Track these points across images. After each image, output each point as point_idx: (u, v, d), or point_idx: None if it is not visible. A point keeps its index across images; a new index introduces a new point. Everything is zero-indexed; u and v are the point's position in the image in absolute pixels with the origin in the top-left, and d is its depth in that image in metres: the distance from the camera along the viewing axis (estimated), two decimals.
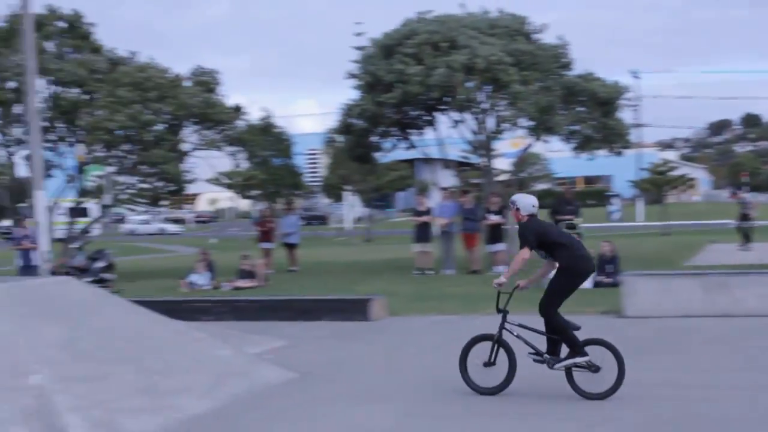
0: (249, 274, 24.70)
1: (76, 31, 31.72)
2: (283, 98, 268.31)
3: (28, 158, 28.15)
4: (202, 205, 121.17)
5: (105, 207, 35.89)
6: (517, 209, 10.20)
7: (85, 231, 33.77)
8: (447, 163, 31.93)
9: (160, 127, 30.65)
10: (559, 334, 9.99)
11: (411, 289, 21.41)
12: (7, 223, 71.78)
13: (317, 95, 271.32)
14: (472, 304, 17.99)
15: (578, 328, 9.96)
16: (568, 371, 9.86)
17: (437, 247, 26.05)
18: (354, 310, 17.14)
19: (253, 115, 50.89)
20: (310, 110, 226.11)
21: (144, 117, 29.46)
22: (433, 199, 35.45)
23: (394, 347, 13.74)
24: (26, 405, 8.48)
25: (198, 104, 30.42)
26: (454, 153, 32.46)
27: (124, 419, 8.74)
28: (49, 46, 31.19)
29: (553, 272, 10.17)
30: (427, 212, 26.39)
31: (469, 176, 41.84)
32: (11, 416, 8.33)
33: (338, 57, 35.62)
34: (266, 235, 29.22)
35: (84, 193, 34.23)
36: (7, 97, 29.77)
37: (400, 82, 26.08)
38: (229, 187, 62.56)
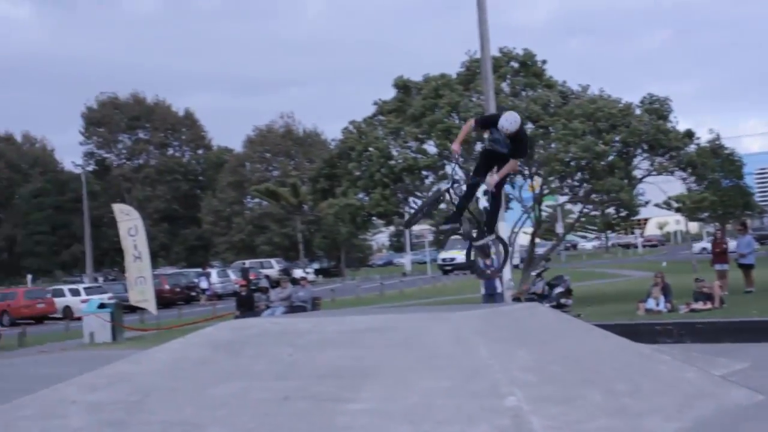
0: (705, 296, 24.10)
1: (528, 69, 32.73)
2: (729, 120, 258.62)
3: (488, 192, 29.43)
4: (651, 229, 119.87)
5: (558, 235, 36.54)
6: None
7: (545, 258, 34.61)
8: None
9: (611, 155, 30.84)
10: (492, 213, 12.32)
11: None
12: (446, 254, 74.52)
13: (765, 114, 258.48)
14: None
15: None
16: (470, 250, 12.34)
17: None
18: None
19: (701, 138, 49.62)
20: (757, 130, 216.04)
21: (597, 147, 29.76)
22: None
23: None
24: (503, 425, 8.84)
25: (649, 131, 30.26)
26: None
27: None
28: (504, 85, 32.46)
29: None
30: None
31: None
32: None
33: None
34: (720, 257, 28.37)
35: (539, 223, 35.10)
36: (469, 135, 31.30)
37: None
38: (677, 210, 61.38)
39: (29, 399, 12.27)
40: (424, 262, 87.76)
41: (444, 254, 77.21)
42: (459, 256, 73.56)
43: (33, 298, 50.95)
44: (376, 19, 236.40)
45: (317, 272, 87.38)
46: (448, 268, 72.80)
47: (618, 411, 9.70)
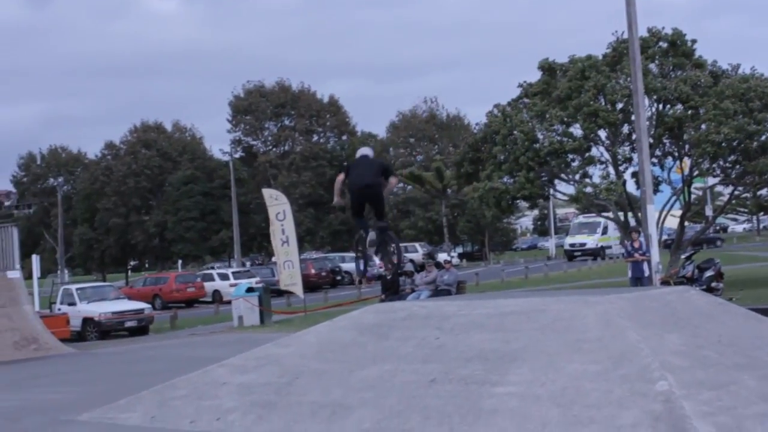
0: None
1: (677, 49, 31.93)
2: None
3: (636, 174, 28.94)
4: None
5: (708, 218, 35.64)
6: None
7: (704, 242, 33.89)
8: None
9: (764, 136, 29.90)
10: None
11: None
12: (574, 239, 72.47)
13: None
14: None
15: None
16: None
17: None
18: None
19: None
20: None
21: (749, 128, 28.89)
22: None
23: None
24: (654, 410, 8.67)
25: None
26: None
27: (751, 425, 8.67)
28: (652, 66, 31.77)
29: None
30: None
31: None
32: (641, 420, 8.61)
33: None
34: None
35: (688, 205, 34.31)
36: (616, 118, 30.77)
37: None
38: None
39: (182, 380, 12.67)
40: None
41: (571, 239, 75.61)
42: (589, 241, 72.26)
43: (183, 282, 52.50)
44: (519, 2, 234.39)
45: (461, 256, 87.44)
46: (577, 254, 71.47)
47: None
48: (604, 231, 70.78)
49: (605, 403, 8.91)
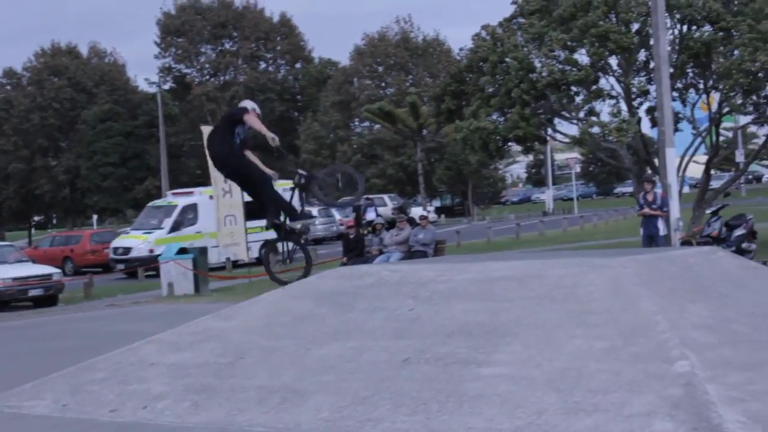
0: None
1: None
2: None
3: (653, 111, 29.02)
4: None
5: (739, 164, 35.89)
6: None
7: (725, 193, 34.01)
8: None
9: None
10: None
11: None
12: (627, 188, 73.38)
13: None
14: None
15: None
16: None
17: None
18: None
19: None
20: None
21: None
22: None
23: None
24: (673, 395, 8.68)
25: None
26: None
27: None
28: None
29: None
30: None
31: None
32: (656, 407, 8.64)
33: None
34: None
35: (715, 149, 34.49)
36: (631, 41, 30.64)
37: None
38: None
39: (101, 360, 12.65)
40: (570, 199, 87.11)
41: (119, 240, 48.79)
42: (139, 243, 46.01)
43: (100, 242, 52.02)
44: None
45: (439, 211, 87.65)
46: (119, 265, 47.67)
47: None
48: (178, 226, 45.28)
49: (614, 386, 8.97)
